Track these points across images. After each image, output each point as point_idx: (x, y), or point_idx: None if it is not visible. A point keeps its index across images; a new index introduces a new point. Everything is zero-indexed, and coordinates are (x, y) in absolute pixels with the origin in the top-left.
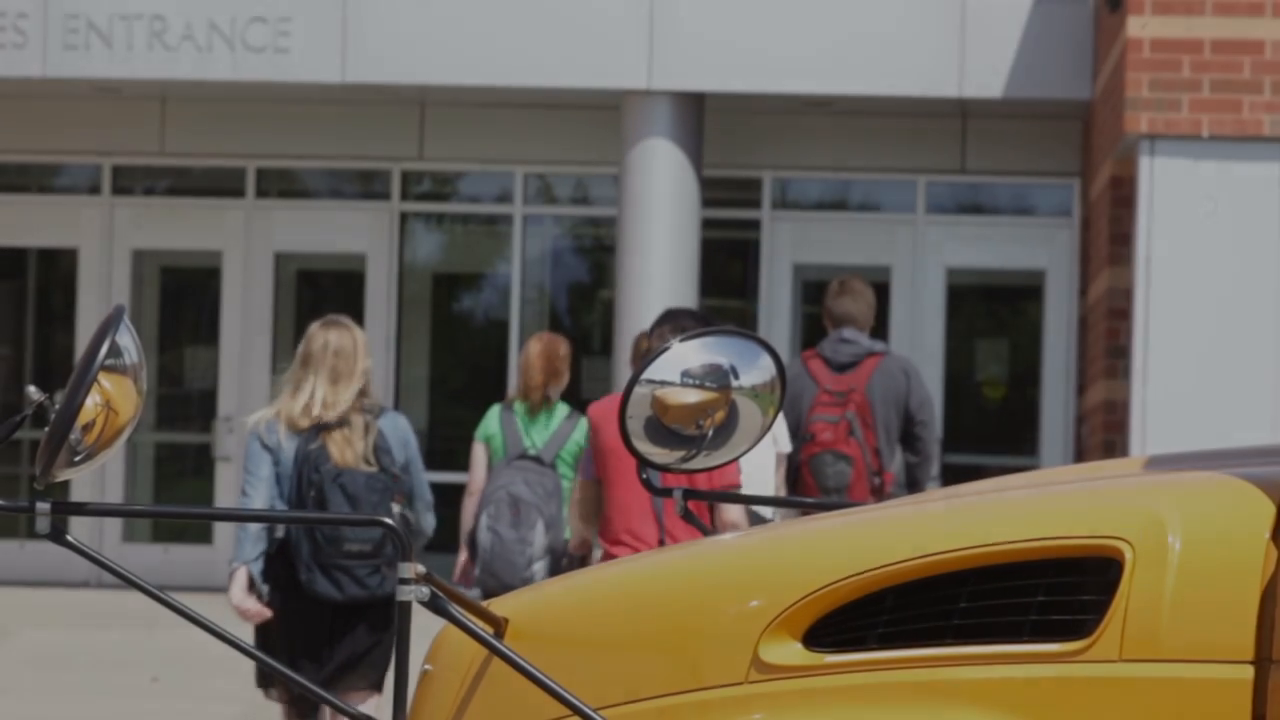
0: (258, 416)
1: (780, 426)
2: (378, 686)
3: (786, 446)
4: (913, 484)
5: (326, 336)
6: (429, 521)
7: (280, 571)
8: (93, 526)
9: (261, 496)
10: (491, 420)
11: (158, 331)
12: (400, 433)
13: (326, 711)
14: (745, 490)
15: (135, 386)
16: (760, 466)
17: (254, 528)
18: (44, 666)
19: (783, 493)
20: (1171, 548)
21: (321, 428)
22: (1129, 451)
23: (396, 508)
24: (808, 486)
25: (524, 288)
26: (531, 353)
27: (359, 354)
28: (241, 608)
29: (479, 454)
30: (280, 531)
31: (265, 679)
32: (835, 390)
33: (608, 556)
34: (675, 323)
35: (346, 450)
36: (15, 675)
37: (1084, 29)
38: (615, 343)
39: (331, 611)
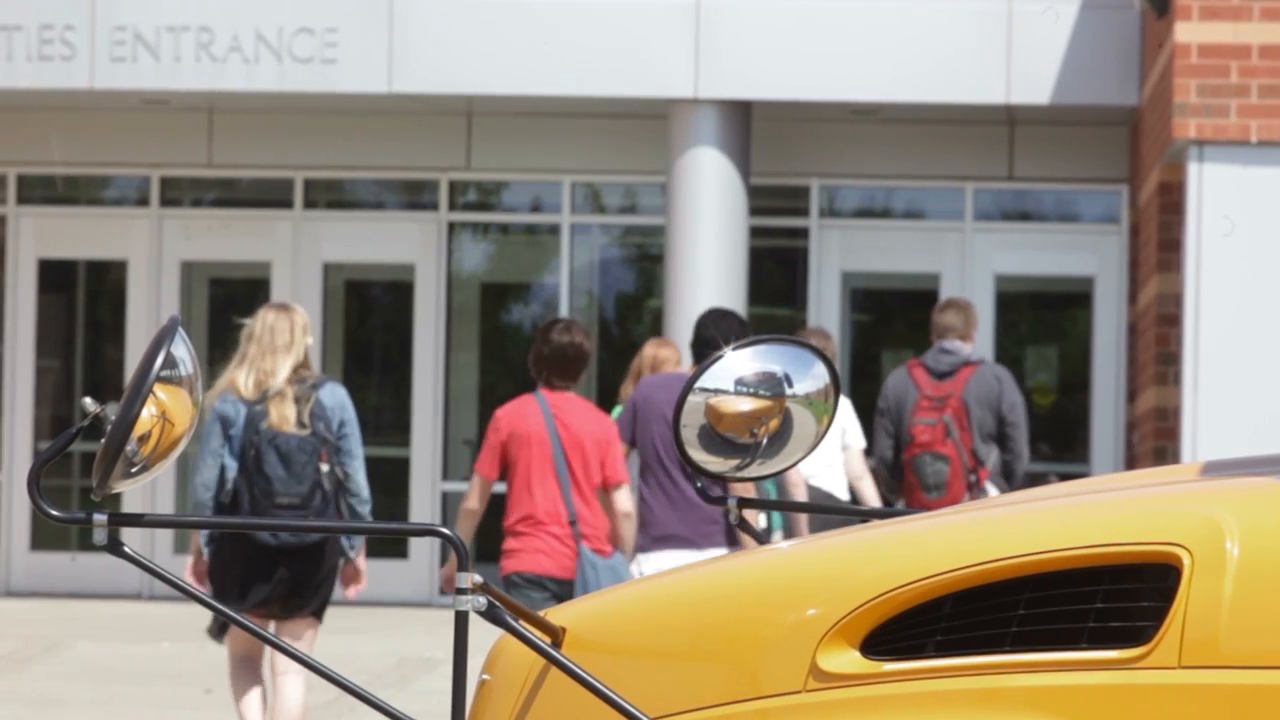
0: (214, 390)
1: (852, 421)
2: (317, 615)
3: (861, 442)
4: (1009, 476)
5: (266, 317)
6: (360, 479)
7: None
8: (144, 537)
9: (210, 468)
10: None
11: (207, 343)
12: (337, 399)
13: (268, 654)
14: (814, 483)
15: (191, 398)
16: (827, 463)
17: (204, 497)
18: (97, 678)
19: (867, 485)
20: (1229, 554)
21: (265, 396)
22: (1180, 458)
23: (324, 467)
24: (910, 485)
25: (572, 297)
26: (654, 356)
27: (295, 332)
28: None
29: None
30: (230, 485)
31: (221, 630)
32: (934, 396)
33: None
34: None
35: (283, 416)
36: (69, 687)
37: (1130, 35)
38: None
39: (269, 555)
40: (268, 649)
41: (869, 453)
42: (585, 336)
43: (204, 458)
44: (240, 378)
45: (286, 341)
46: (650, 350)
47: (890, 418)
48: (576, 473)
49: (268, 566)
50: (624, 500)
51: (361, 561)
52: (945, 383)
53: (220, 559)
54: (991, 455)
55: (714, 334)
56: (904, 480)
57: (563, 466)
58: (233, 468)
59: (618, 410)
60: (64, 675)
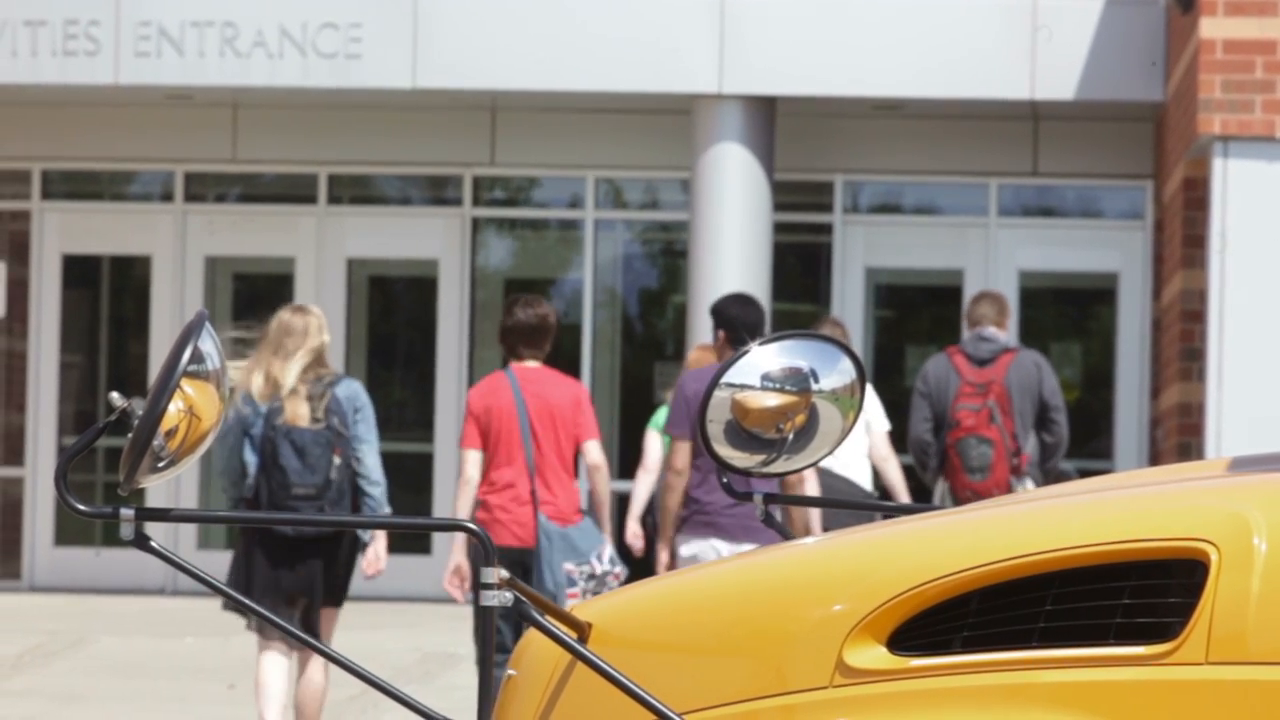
0: (237, 388)
1: (875, 405)
2: (337, 602)
3: (885, 425)
4: (1049, 458)
5: (281, 318)
6: (371, 462)
7: None
8: (168, 532)
9: (222, 459)
10: (663, 413)
11: (231, 339)
12: (351, 393)
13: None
14: (840, 468)
15: (218, 392)
16: (852, 450)
17: (224, 484)
18: (121, 673)
19: (892, 469)
20: (1257, 549)
21: (279, 395)
22: (1204, 454)
23: (337, 460)
24: (954, 468)
25: (596, 292)
26: (703, 360)
27: (309, 333)
28: None
29: (653, 439)
30: (251, 479)
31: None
32: (976, 382)
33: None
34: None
35: (296, 412)
36: (92, 682)
37: (1155, 31)
38: (688, 347)
39: (287, 546)
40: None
41: (896, 436)
42: (550, 309)
43: (218, 451)
44: (251, 380)
45: (298, 344)
46: (695, 355)
47: (930, 402)
48: (543, 443)
49: (287, 557)
50: (594, 453)
51: (380, 546)
52: (986, 369)
53: (239, 551)
54: (1030, 442)
55: (737, 313)
56: (947, 463)
57: (528, 438)
58: (253, 463)
59: (663, 411)
60: (87, 670)
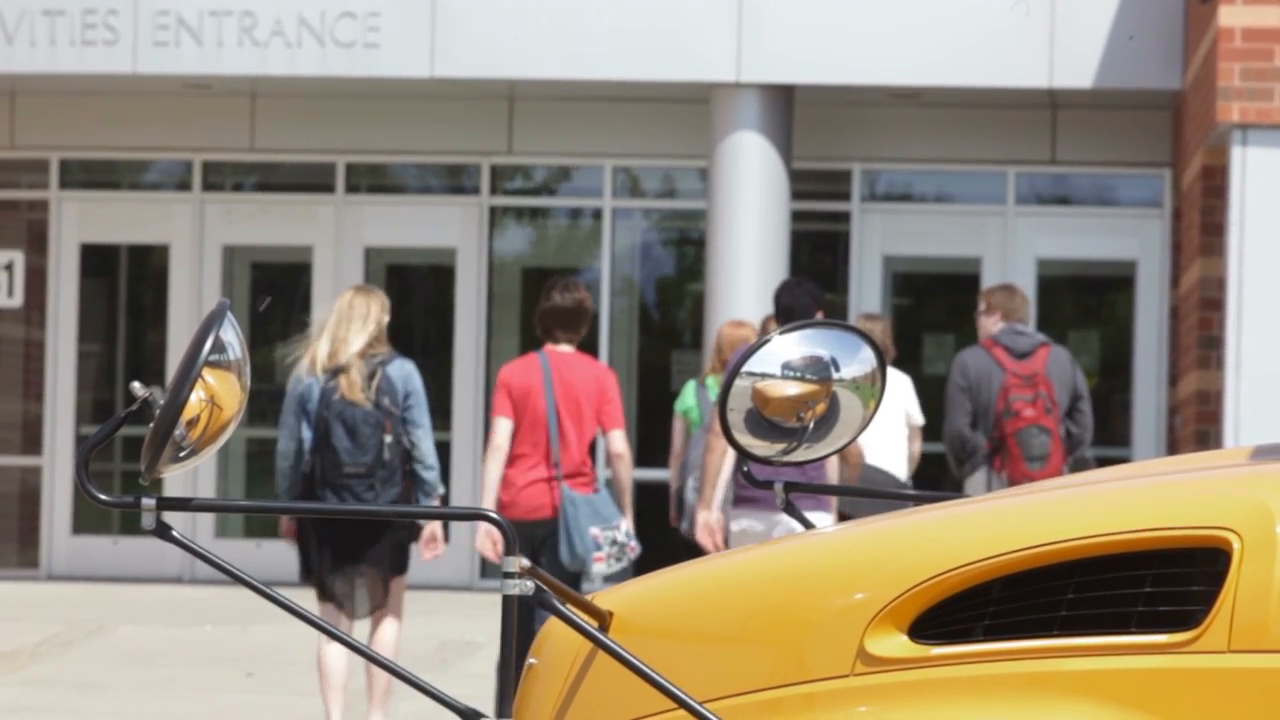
0: (299, 365)
1: (913, 402)
2: (397, 570)
3: (920, 420)
4: (1074, 449)
5: (347, 297)
6: (426, 447)
7: (306, 493)
8: (185, 521)
9: (284, 440)
10: (689, 395)
11: (248, 327)
12: (403, 373)
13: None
14: (874, 458)
15: (239, 382)
16: (891, 439)
17: (283, 465)
18: (139, 662)
19: (910, 467)
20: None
21: (337, 371)
22: (1222, 443)
23: (388, 438)
24: (1014, 457)
25: (613, 281)
26: (734, 335)
27: (371, 310)
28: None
29: (679, 425)
30: (307, 456)
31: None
32: (1023, 374)
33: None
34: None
35: (351, 389)
36: (111, 670)
37: (1174, 18)
38: (705, 336)
39: (335, 523)
40: (356, 600)
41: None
42: (585, 294)
43: (280, 430)
44: (318, 348)
45: (363, 314)
46: (728, 330)
47: (971, 395)
48: (566, 422)
49: (335, 534)
50: (616, 442)
51: (437, 529)
52: (1027, 362)
53: (302, 528)
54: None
55: (791, 301)
56: (1005, 452)
57: (553, 416)
58: (309, 439)
59: (690, 386)
60: (106, 659)
